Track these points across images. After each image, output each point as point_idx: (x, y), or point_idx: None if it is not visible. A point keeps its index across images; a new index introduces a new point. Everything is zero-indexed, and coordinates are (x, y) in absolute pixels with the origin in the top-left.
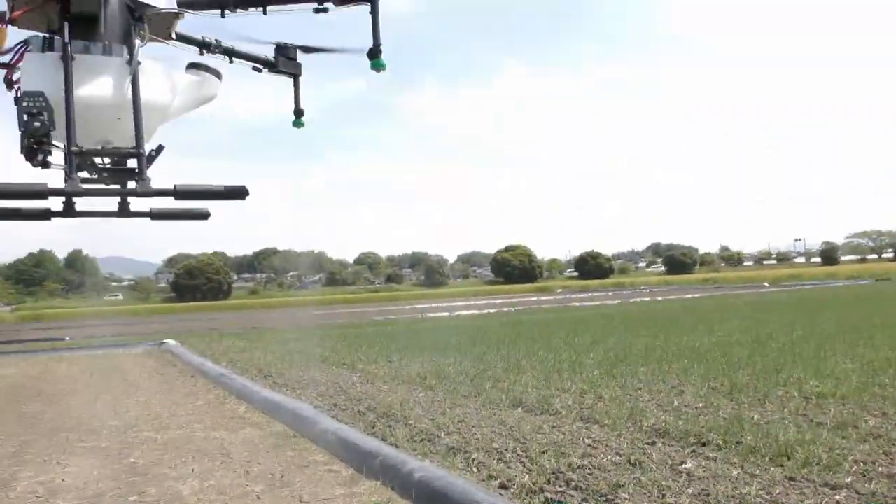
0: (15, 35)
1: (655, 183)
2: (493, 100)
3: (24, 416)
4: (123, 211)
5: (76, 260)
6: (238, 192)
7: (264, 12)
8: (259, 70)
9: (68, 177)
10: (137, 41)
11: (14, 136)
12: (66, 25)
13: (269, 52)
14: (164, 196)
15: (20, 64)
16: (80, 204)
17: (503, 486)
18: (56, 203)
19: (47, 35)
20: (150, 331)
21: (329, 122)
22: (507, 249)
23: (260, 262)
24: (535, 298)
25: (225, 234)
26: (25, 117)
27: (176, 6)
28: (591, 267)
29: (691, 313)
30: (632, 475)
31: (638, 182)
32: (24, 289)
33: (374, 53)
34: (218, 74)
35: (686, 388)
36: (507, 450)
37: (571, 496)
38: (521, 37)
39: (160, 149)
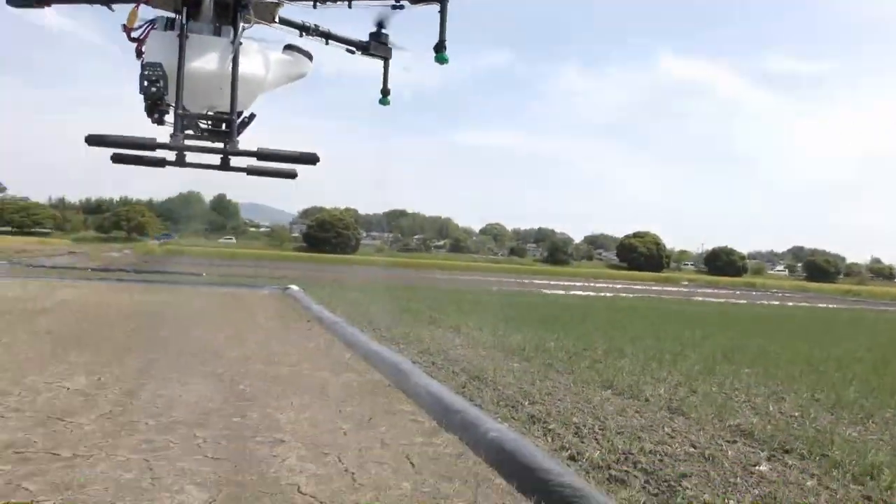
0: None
1: (806, 181)
2: (640, 82)
3: (157, 339)
4: (224, 166)
5: (220, 203)
6: (310, 158)
7: (349, 6)
8: (352, 52)
9: (174, 133)
10: (242, 24)
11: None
12: (185, 9)
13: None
14: (247, 156)
15: (147, 39)
16: (190, 157)
17: (572, 458)
18: (171, 154)
19: (170, 16)
20: (279, 275)
21: (473, 90)
22: (636, 235)
23: (389, 223)
24: (657, 288)
25: (358, 190)
26: (145, 83)
27: None
28: (722, 263)
29: (819, 323)
30: (701, 467)
31: (787, 179)
32: (173, 225)
33: (440, 48)
34: (309, 56)
35: (787, 396)
36: (584, 426)
37: (635, 477)
38: (675, 23)
39: (252, 117)
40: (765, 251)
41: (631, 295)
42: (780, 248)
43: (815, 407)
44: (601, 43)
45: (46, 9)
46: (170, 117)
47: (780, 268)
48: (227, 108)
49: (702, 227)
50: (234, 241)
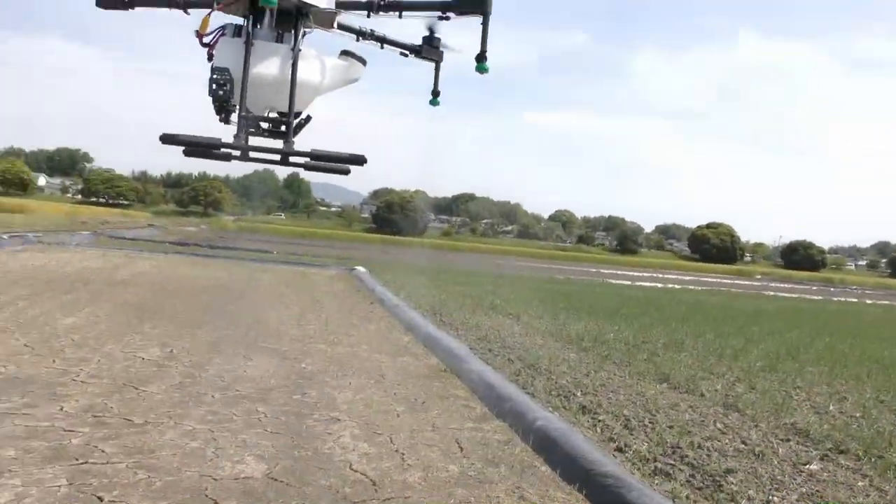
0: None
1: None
2: (723, 67)
3: (227, 314)
4: (284, 161)
5: (294, 182)
6: (358, 160)
7: (400, 16)
8: (405, 55)
9: (237, 134)
10: (303, 30)
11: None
12: (251, 17)
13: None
14: (302, 156)
15: (216, 44)
16: (256, 154)
17: (619, 450)
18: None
19: (238, 23)
20: (346, 256)
21: (542, 71)
22: (709, 226)
23: (457, 206)
24: (728, 281)
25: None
26: (213, 86)
27: (334, 6)
28: (799, 257)
29: None
30: (749, 464)
31: (875, 172)
32: (247, 202)
33: (481, 58)
34: (363, 61)
35: (850, 396)
36: (635, 418)
37: (681, 470)
38: (760, 3)
39: (308, 119)
40: (847, 246)
41: (700, 288)
42: (864, 243)
43: (879, 408)
44: (680, 23)
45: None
46: (235, 117)
47: (862, 263)
48: (285, 110)
49: (780, 220)
50: (283, 217)
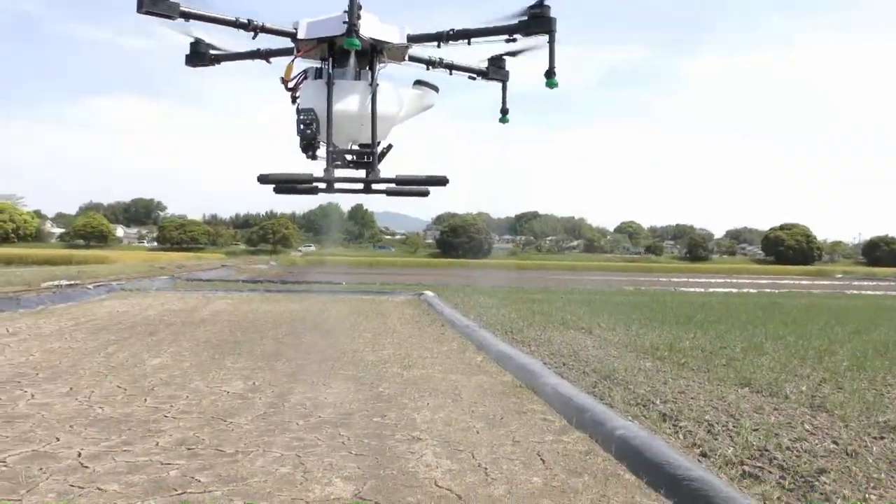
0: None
1: None
2: (781, 69)
3: (303, 345)
4: (368, 189)
5: (357, 213)
6: (440, 181)
7: (468, 43)
8: (473, 79)
9: (327, 168)
10: (378, 66)
11: (296, 138)
12: (330, 60)
13: (482, 65)
14: (388, 183)
15: (300, 87)
16: (337, 183)
17: (704, 455)
18: (322, 183)
19: (318, 66)
20: (414, 282)
21: (601, 86)
22: (783, 228)
23: (521, 225)
24: (806, 282)
25: (490, 196)
26: (301, 126)
27: (406, 41)
28: (882, 253)
29: None
30: (842, 464)
31: None
32: (314, 236)
33: (550, 74)
34: (435, 88)
35: None
36: (718, 423)
37: (770, 473)
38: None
39: (389, 147)
40: None
41: (777, 291)
42: None
43: None
44: (736, 30)
45: (191, 28)
46: (321, 152)
47: None
48: (368, 141)
49: (858, 217)
50: (312, 248)
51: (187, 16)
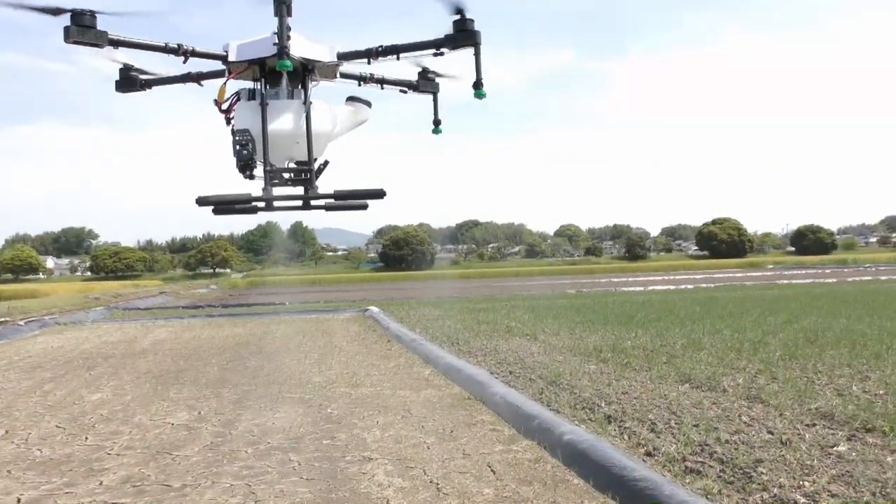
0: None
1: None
2: (706, 65)
3: (248, 370)
4: (306, 206)
5: (297, 231)
6: (378, 194)
7: (398, 58)
8: (405, 92)
9: (265, 187)
10: (310, 84)
11: (233, 158)
12: (262, 80)
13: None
14: (327, 198)
15: (234, 109)
16: (280, 202)
17: (648, 454)
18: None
19: (251, 87)
20: (358, 298)
21: (531, 93)
22: (715, 222)
23: (462, 234)
24: (740, 274)
25: (430, 206)
26: (237, 147)
27: (336, 59)
28: (809, 242)
29: None
30: (777, 452)
31: (873, 146)
32: (254, 257)
33: (478, 85)
34: (368, 104)
35: (871, 375)
36: (660, 421)
37: (711, 467)
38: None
39: (326, 163)
40: (856, 225)
41: (712, 285)
42: (873, 219)
43: None
44: (659, 30)
45: (120, 55)
46: (258, 172)
47: (873, 240)
48: (304, 159)
49: (785, 208)
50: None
51: (116, 43)
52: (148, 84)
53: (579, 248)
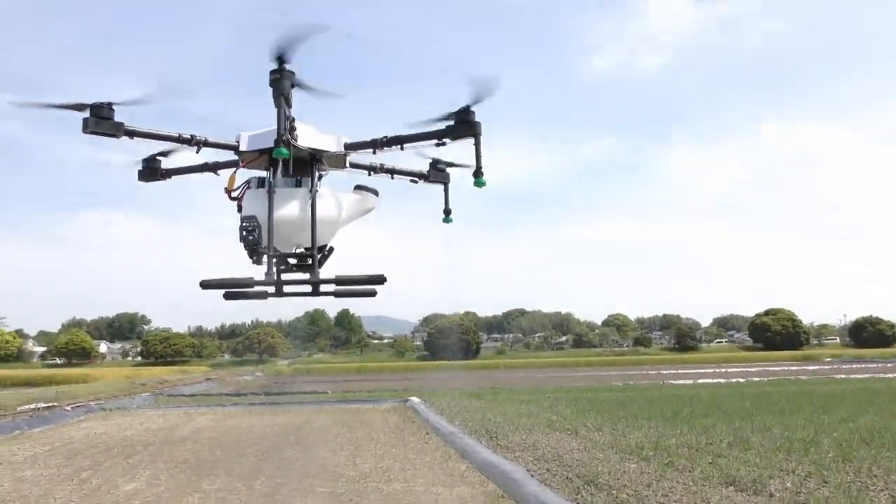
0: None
1: None
2: (751, 156)
3: (283, 461)
4: (315, 292)
5: (344, 318)
6: (378, 279)
7: (401, 149)
8: (415, 182)
9: (268, 272)
10: (318, 174)
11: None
12: (272, 169)
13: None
14: (328, 283)
15: (244, 196)
16: (288, 287)
17: None
18: (272, 287)
19: (262, 176)
20: (401, 387)
21: (576, 183)
22: (768, 313)
23: (508, 323)
24: (795, 368)
25: (476, 294)
26: (244, 233)
27: (343, 149)
28: (868, 334)
29: None
30: None
31: None
32: (300, 344)
33: (478, 173)
34: (375, 192)
35: None
36: None
37: None
38: (782, 89)
39: (331, 250)
40: None
41: (765, 379)
42: None
43: None
44: (706, 119)
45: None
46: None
47: None
48: (310, 245)
49: (842, 299)
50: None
51: (132, 134)
52: (168, 174)
53: (628, 338)
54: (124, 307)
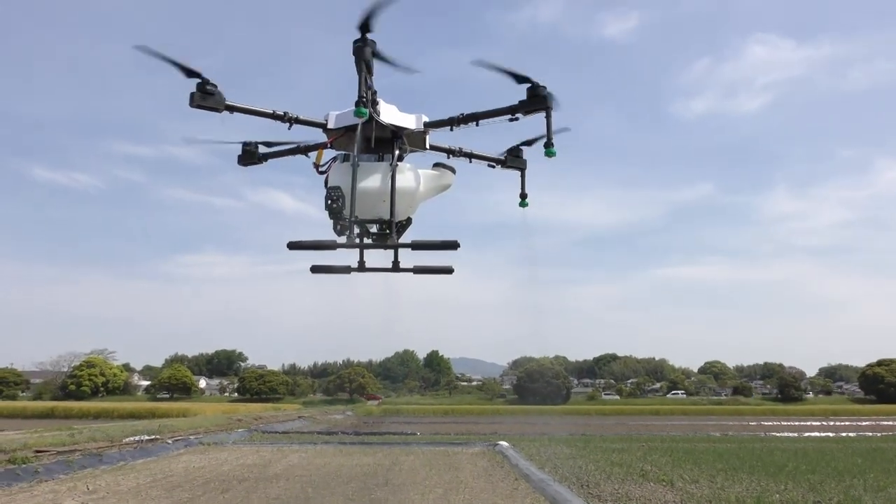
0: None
1: None
2: (860, 196)
3: (372, 502)
4: (395, 268)
5: (433, 359)
6: (452, 245)
7: (477, 125)
8: (493, 167)
9: (350, 236)
10: (398, 151)
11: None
12: (355, 146)
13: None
14: (405, 248)
15: (329, 170)
16: (369, 263)
17: None
18: (354, 263)
19: (347, 153)
20: (490, 431)
21: (671, 226)
22: (880, 363)
23: (599, 368)
24: None
25: (566, 338)
26: (328, 202)
27: (423, 127)
28: None
29: None
30: None
31: None
32: (390, 384)
33: (549, 144)
34: (453, 169)
35: None
36: None
37: None
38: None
39: (409, 221)
40: None
41: (878, 434)
42: None
43: None
44: (807, 161)
45: (284, 200)
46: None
47: None
48: (387, 216)
49: None
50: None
51: (232, 109)
52: (265, 157)
53: (726, 386)
54: (223, 344)
